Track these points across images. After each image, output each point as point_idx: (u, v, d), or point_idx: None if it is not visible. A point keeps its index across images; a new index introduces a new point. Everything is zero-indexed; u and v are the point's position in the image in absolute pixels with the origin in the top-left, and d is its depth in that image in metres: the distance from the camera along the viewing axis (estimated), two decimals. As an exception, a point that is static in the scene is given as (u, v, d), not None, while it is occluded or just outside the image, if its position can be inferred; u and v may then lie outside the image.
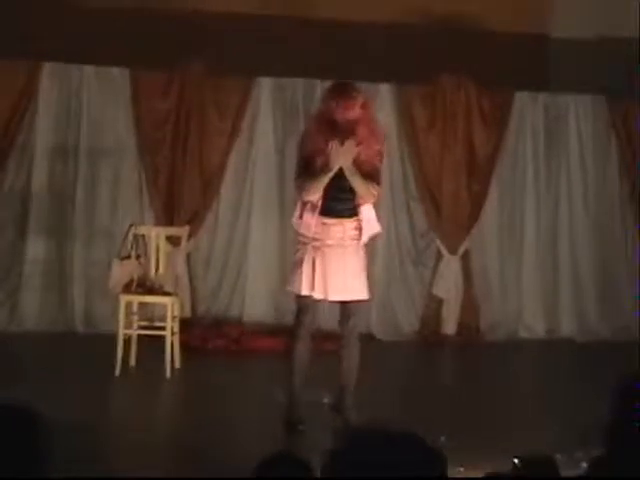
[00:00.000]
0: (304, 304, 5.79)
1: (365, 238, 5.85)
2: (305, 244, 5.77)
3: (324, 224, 5.75)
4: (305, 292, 5.73)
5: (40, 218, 8.37)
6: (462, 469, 4.88)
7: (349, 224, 5.80)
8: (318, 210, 5.74)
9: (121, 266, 7.13)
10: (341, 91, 5.75)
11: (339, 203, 5.77)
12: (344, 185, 5.73)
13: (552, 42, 9.35)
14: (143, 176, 8.55)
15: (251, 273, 8.71)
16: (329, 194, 5.73)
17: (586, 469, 2.73)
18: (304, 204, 5.81)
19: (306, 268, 5.72)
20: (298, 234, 5.86)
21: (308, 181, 5.74)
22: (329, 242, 5.74)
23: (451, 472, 2.34)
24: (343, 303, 5.86)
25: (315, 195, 5.73)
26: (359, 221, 5.81)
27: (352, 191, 5.76)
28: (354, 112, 5.70)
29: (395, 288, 8.88)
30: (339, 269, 5.73)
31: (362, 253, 5.88)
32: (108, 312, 7.95)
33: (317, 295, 5.74)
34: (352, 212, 5.80)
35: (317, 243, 5.74)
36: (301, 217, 5.80)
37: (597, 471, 2.48)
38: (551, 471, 2.99)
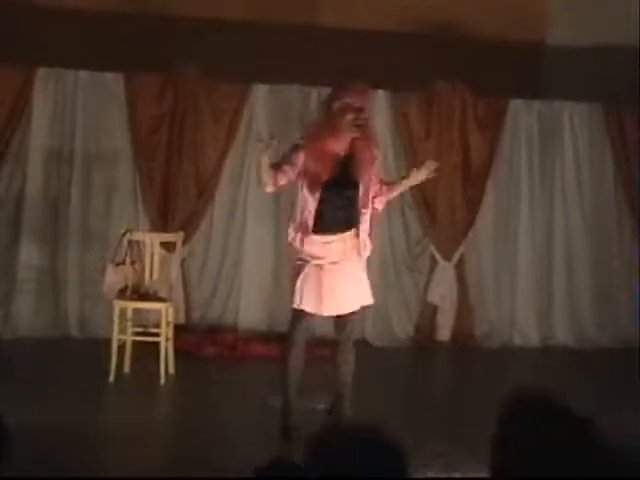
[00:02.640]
0: (300, 311, 5.75)
1: (365, 254, 5.80)
2: (306, 262, 5.69)
3: (325, 243, 5.67)
4: (315, 311, 5.67)
5: (34, 223, 8.35)
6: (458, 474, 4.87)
7: (349, 238, 5.72)
8: (311, 227, 5.65)
9: (115, 272, 7.12)
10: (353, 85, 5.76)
11: (336, 212, 5.68)
12: (342, 193, 5.68)
13: (549, 50, 9.37)
14: (138, 181, 8.53)
15: (246, 280, 8.69)
16: (324, 207, 5.65)
17: None
18: (296, 222, 5.73)
19: (313, 288, 5.64)
20: (298, 253, 5.75)
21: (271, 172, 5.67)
22: (332, 259, 5.68)
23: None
24: (339, 310, 5.84)
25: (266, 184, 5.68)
26: (358, 232, 5.75)
27: (349, 199, 5.70)
28: (365, 98, 5.73)
29: (390, 294, 8.87)
30: (345, 283, 5.69)
31: (363, 259, 5.85)
32: (102, 318, 7.94)
33: (328, 313, 5.72)
34: (350, 223, 5.71)
35: (320, 261, 5.67)
36: (296, 233, 5.71)
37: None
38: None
